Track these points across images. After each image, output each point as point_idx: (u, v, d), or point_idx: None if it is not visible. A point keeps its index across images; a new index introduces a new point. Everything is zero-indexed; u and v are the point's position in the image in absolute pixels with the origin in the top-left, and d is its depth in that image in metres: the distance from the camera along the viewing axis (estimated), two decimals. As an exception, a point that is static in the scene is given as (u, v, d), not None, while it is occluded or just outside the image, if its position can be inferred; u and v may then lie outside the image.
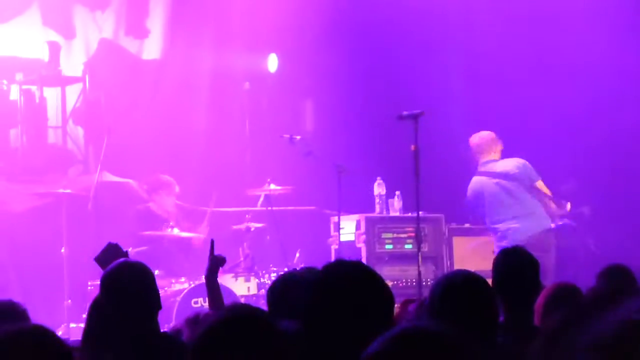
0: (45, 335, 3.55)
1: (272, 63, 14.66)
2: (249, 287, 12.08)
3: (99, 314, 6.00)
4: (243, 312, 3.53)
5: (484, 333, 4.96)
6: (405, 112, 10.74)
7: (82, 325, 11.06)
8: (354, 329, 3.88)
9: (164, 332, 6.10)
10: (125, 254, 7.13)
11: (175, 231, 12.38)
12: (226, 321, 3.41)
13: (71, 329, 11.64)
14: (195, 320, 6.67)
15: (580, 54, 13.85)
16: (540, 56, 14.12)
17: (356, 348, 2.94)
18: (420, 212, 10.60)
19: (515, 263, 6.66)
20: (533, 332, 5.83)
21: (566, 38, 13.98)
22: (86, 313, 6.23)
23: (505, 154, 12.43)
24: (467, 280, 5.27)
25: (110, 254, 7.25)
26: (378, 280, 4.10)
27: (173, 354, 5.55)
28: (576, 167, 14.05)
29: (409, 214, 11.78)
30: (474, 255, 12.19)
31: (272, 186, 12.44)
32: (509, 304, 6.15)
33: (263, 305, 11.67)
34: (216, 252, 12.34)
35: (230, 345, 3.34)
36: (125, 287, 5.97)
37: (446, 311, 5.03)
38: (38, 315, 6.10)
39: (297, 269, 10.05)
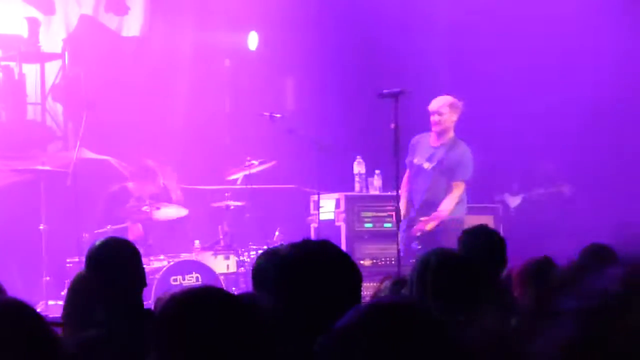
0: (22, 308, 3.44)
1: (253, 40, 14.64)
2: (228, 265, 12.13)
3: (81, 289, 5.92)
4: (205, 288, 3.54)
5: (467, 308, 4.93)
6: (385, 90, 10.73)
7: (61, 302, 11.07)
8: (321, 305, 3.90)
9: (148, 309, 6.01)
10: None
11: (154, 209, 12.33)
12: (189, 294, 3.42)
13: (50, 306, 11.63)
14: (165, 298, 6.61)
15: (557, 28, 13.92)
16: (523, 32, 14.08)
17: (325, 324, 2.89)
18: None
19: (484, 241, 6.78)
20: (511, 305, 5.88)
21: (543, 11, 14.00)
22: (66, 289, 6.15)
23: (484, 135, 12.45)
24: (445, 257, 5.27)
25: None
26: (344, 258, 4.11)
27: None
28: (555, 148, 14.07)
29: (389, 193, 11.74)
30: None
31: (253, 163, 12.39)
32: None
33: (243, 282, 11.71)
34: (196, 230, 12.43)
35: (192, 317, 3.32)
36: (112, 263, 5.92)
37: (427, 288, 5.06)
38: (16, 292, 6.01)
39: (280, 245, 10.03)
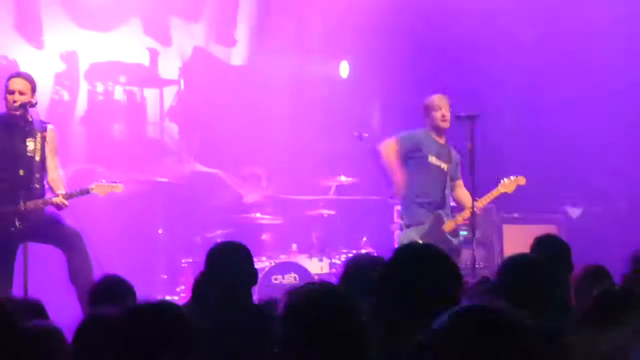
0: (176, 310, 3.59)
1: (344, 69, 14.67)
2: (321, 267, 12.13)
3: (200, 287, 6.05)
4: (326, 287, 3.56)
5: (546, 309, 4.96)
6: (462, 113, 10.70)
7: (177, 297, 11.28)
8: (422, 305, 3.85)
9: (256, 304, 6.16)
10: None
11: (257, 215, 12.46)
12: (313, 293, 3.46)
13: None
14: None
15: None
16: (591, 50, 13.91)
17: (424, 321, 2.95)
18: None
19: (554, 248, 6.73)
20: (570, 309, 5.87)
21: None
22: (184, 287, 6.28)
23: (548, 148, 12.38)
24: (529, 260, 5.32)
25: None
26: (448, 260, 4.09)
27: (263, 321, 5.59)
28: (612, 163, 13.90)
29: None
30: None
31: (343, 178, 12.47)
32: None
33: (334, 282, 11.76)
34: (293, 235, 12.47)
35: (316, 312, 3.38)
36: (229, 263, 6.00)
37: (511, 289, 5.06)
38: (137, 288, 6.14)
39: (365, 251, 10.12)
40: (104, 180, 10.18)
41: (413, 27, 14.34)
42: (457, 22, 13.99)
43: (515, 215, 12.51)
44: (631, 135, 13.86)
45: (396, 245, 12.18)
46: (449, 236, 10.79)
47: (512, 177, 11.13)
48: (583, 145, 13.90)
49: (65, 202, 9.67)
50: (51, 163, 9.94)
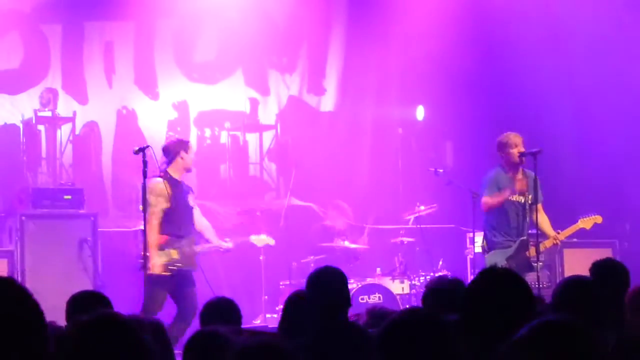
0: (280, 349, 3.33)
1: (420, 113, 14.65)
2: (402, 288, 12.12)
3: (295, 306, 6.01)
4: (420, 313, 3.51)
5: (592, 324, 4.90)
6: (526, 151, 10.63)
7: (276, 315, 11.31)
8: (503, 321, 3.87)
9: (352, 322, 6.11)
10: None
11: (346, 243, 12.46)
12: (408, 319, 3.41)
13: (267, 318, 11.79)
14: (374, 311, 6.66)
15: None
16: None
17: (505, 336, 2.93)
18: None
19: (606, 271, 6.63)
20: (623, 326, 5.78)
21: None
22: (283, 305, 6.28)
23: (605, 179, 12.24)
24: (581, 282, 5.25)
25: None
26: (523, 283, 4.11)
27: (358, 339, 5.55)
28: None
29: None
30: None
31: (421, 207, 12.43)
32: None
33: (414, 301, 11.71)
34: (378, 260, 12.44)
35: (412, 338, 3.33)
36: (328, 286, 5.99)
37: (564, 306, 5.00)
38: (242, 308, 6.14)
39: (443, 274, 10.06)
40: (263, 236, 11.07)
41: (478, 72, 14.29)
42: (522, 66, 13.90)
43: (575, 240, 12.32)
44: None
45: (474, 268, 12.16)
46: (531, 260, 10.65)
47: (591, 216, 11.06)
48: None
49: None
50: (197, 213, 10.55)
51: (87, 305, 5.56)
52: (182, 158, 10.35)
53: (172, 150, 10.37)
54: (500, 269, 4.36)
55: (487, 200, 10.71)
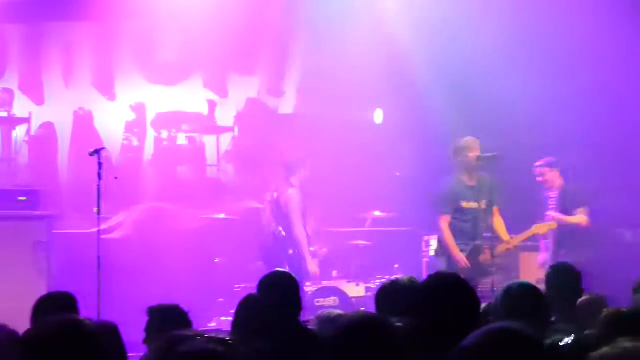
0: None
1: (378, 116, 14.72)
2: (358, 291, 12.14)
3: (247, 309, 6.01)
4: (369, 317, 3.55)
5: (536, 328, 4.99)
6: (482, 155, 10.71)
7: (230, 318, 11.32)
8: (451, 325, 3.96)
9: (304, 326, 6.14)
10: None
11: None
12: (357, 324, 3.45)
13: (222, 321, 11.81)
14: (323, 315, 6.72)
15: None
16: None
17: (452, 341, 3.03)
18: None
19: (565, 276, 6.72)
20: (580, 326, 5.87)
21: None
22: (235, 308, 6.30)
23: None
24: (522, 287, 5.33)
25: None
26: (469, 288, 4.20)
27: (308, 342, 5.60)
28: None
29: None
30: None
31: (377, 212, 12.50)
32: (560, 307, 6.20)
33: (370, 304, 11.76)
34: (334, 264, 12.49)
35: (361, 342, 3.37)
36: (279, 290, 6.02)
37: (507, 311, 5.08)
38: (197, 311, 6.17)
39: (399, 276, 10.12)
40: None
41: (437, 75, 14.37)
42: (483, 69, 13.99)
43: (529, 244, 12.45)
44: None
45: (429, 271, 12.22)
46: (484, 265, 10.73)
47: (545, 222, 11.17)
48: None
49: None
50: None
51: (54, 307, 5.61)
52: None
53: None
54: (448, 274, 4.43)
55: (443, 226, 10.82)
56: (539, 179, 11.14)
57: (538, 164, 11.28)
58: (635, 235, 13.63)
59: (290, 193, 11.51)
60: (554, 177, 11.37)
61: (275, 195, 11.68)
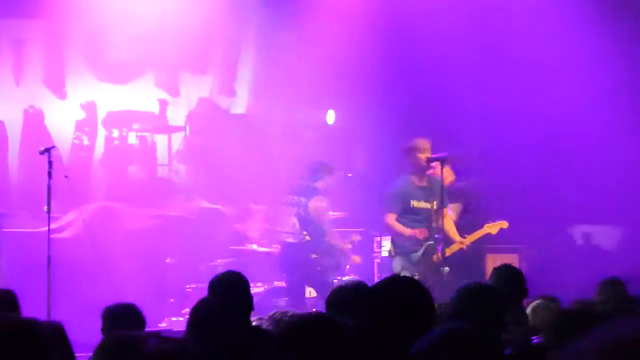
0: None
1: (330, 117, 14.76)
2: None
3: (200, 311, 6.05)
4: (319, 317, 3.54)
5: (491, 328, 5.03)
6: (433, 156, 10.77)
7: (182, 319, 11.32)
8: (404, 327, 3.97)
9: (255, 326, 6.14)
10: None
11: (254, 246, 12.50)
12: (306, 322, 3.45)
13: (173, 321, 11.78)
14: (276, 315, 6.73)
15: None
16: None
17: (405, 342, 3.02)
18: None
19: (509, 276, 6.82)
20: (527, 328, 5.94)
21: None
22: (189, 308, 6.28)
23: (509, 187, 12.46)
24: (477, 287, 5.39)
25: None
26: (425, 291, 4.21)
27: (260, 342, 5.60)
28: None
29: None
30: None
31: (329, 212, 12.50)
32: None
33: (322, 304, 11.79)
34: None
35: (310, 341, 3.33)
36: (230, 290, 5.99)
37: (462, 312, 5.12)
38: (147, 311, 6.17)
39: (348, 278, 10.17)
40: None
41: (388, 76, 14.46)
42: (432, 70, 14.09)
43: (500, 246, 12.53)
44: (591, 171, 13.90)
45: (381, 271, 12.28)
46: (438, 265, 10.79)
47: (497, 221, 11.27)
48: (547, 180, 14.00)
49: None
50: None
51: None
52: None
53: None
54: (402, 277, 4.46)
55: (391, 221, 10.89)
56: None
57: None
58: (586, 235, 13.83)
59: (317, 199, 11.53)
60: (446, 172, 11.47)
61: (304, 200, 11.66)
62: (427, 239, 10.67)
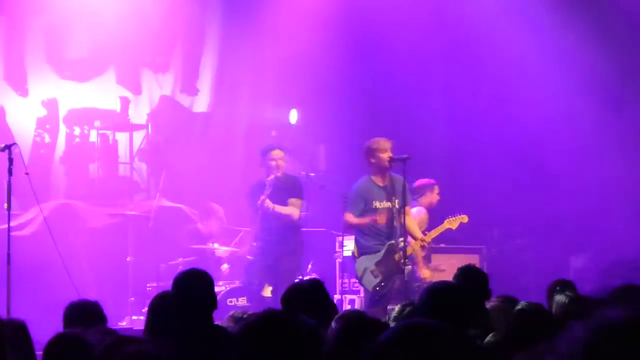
0: None
1: (293, 116, 14.80)
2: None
3: (160, 308, 6.03)
4: (276, 314, 3.54)
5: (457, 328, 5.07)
6: (395, 157, 10.80)
7: (142, 317, 11.31)
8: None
9: (217, 324, 6.12)
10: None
11: (215, 245, 12.50)
12: (264, 320, 3.44)
13: (133, 320, 11.77)
14: (236, 314, 6.78)
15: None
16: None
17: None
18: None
19: (469, 277, 6.86)
20: (489, 327, 6.00)
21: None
22: (147, 308, 6.28)
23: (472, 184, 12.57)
24: (444, 287, 5.44)
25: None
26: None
27: (222, 341, 5.62)
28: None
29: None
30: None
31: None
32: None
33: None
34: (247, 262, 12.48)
35: (267, 337, 3.36)
36: (194, 288, 5.95)
37: (429, 310, 5.12)
38: (108, 310, 6.18)
39: (304, 278, 10.20)
40: None
41: (351, 76, 14.52)
42: (395, 71, 14.17)
43: (442, 245, 12.63)
44: (547, 171, 14.01)
45: (342, 271, 12.31)
46: (400, 264, 10.82)
47: (457, 216, 11.32)
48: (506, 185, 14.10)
49: None
50: None
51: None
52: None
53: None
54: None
55: (349, 218, 10.94)
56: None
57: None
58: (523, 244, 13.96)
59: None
60: (433, 197, 11.72)
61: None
62: (388, 227, 10.71)
